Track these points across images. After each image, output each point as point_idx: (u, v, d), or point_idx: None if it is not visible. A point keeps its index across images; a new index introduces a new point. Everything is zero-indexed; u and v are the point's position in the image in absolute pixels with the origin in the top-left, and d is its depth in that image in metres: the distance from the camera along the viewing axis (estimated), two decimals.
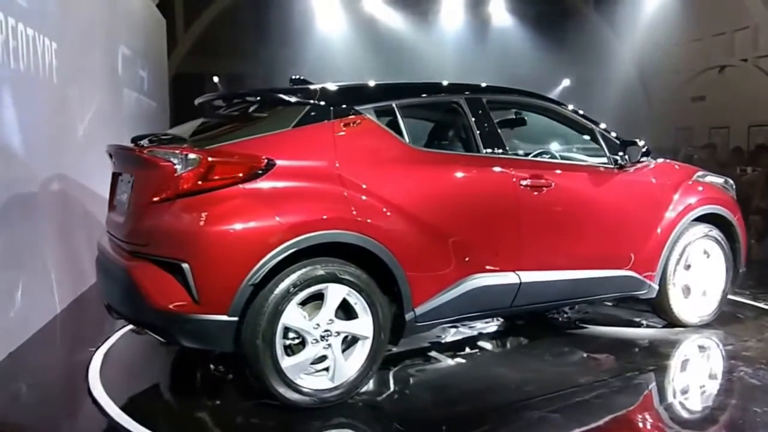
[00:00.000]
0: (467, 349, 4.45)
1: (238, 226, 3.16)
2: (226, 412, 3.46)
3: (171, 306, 3.15)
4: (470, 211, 3.81)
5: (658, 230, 4.55)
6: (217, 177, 3.19)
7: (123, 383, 3.97)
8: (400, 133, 3.72)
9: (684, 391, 3.80)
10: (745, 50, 14.46)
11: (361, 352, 3.45)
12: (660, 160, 4.87)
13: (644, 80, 17.04)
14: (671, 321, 4.80)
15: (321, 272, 3.30)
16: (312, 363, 3.36)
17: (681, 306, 4.74)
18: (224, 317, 3.14)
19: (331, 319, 3.35)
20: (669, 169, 4.84)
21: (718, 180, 5.13)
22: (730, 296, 5.17)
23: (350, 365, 3.42)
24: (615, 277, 4.41)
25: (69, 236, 5.71)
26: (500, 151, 3.99)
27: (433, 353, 4.33)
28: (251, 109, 3.75)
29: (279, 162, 3.29)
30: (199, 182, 3.18)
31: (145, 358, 4.42)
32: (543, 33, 16.00)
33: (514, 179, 3.95)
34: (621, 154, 4.43)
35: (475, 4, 16.73)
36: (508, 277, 3.92)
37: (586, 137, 4.56)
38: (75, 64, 6.03)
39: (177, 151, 3.26)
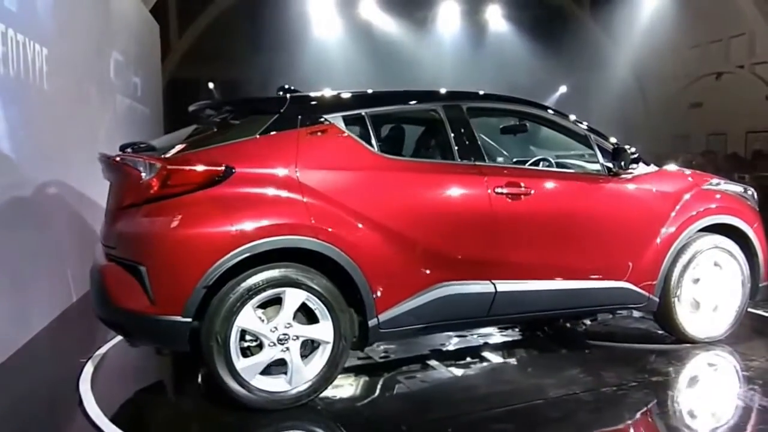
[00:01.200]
0: (468, 359, 4.36)
1: (193, 231, 3.29)
2: (218, 423, 3.42)
3: (131, 306, 3.32)
4: (438, 218, 3.76)
5: (658, 240, 4.31)
6: (176, 184, 3.32)
7: (114, 394, 3.90)
8: (369, 140, 3.73)
9: (657, 410, 3.61)
10: (742, 57, 14.48)
11: (321, 356, 3.49)
12: (665, 167, 4.68)
13: (642, 87, 17.06)
14: (678, 336, 4.50)
15: (278, 276, 3.36)
16: (272, 365, 3.43)
17: (688, 321, 4.45)
18: (178, 318, 3.25)
19: (288, 323, 3.40)
20: (673, 177, 4.61)
21: (735, 188, 4.80)
22: (755, 311, 4.83)
23: (310, 369, 3.46)
24: (607, 288, 4.21)
25: (57, 246, 5.59)
26: (476, 158, 3.93)
27: (432, 361, 4.25)
28: (231, 117, 3.84)
29: (239, 169, 3.39)
30: (160, 189, 3.32)
31: (137, 369, 4.38)
32: (540, 40, 16.00)
33: (488, 187, 3.86)
34: (615, 161, 4.25)
35: (472, 11, 16.72)
36: (482, 286, 3.83)
37: (581, 144, 4.43)
38: (66, 70, 5.94)
39: (141, 160, 3.42)
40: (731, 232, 4.54)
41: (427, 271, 3.70)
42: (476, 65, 15.99)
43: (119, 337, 4.65)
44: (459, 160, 3.89)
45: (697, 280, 4.46)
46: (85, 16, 6.87)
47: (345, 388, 3.85)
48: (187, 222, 3.29)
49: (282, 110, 3.63)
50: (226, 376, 3.31)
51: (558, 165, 4.58)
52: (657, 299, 4.35)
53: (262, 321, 3.37)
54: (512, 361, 4.37)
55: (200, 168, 3.35)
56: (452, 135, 3.94)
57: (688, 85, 15.92)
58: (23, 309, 4.71)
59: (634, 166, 4.25)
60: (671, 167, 4.79)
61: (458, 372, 4.11)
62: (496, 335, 4.85)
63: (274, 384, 3.41)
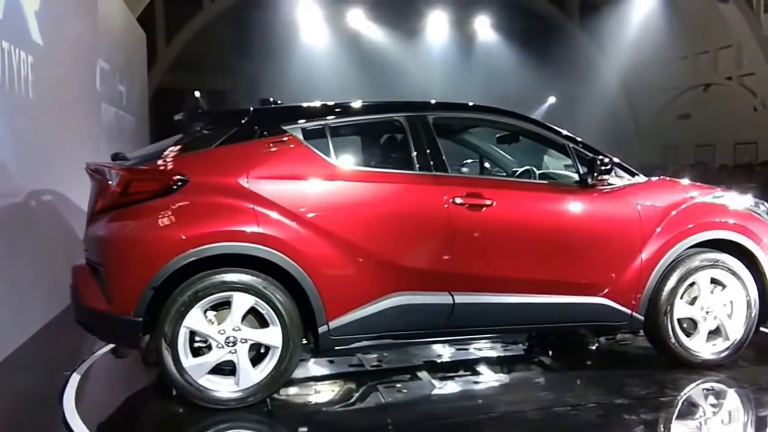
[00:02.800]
0: (460, 371, 4.29)
1: (144, 236, 3.53)
2: None
3: (93, 305, 3.60)
4: (393, 228, 3.79)
5: (641, 256, 4.07)
6: (135, 192, 3.58)
7: (98, 408, 3.85)
8: (327, 151, 3.81)
9: None
10: (730, 68, 14.57)
11: (270, 360, 3.60)
12: (657, 178, 4.49)
13: (630, 98, 17.14)
14: (671, 358, 4.21)
15: (225, 281, 3.52)
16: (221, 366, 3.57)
17: (682, 342, 4.17)
18: (130, 317, 3.47)
19: (237, 327, 3.53)
20: (664, 188, 4.36)
21: (743, 202, 4.46)
22: None
23: (259, 372, 3.58)
24: (582, 304, 4.02)
25: (38, 254, 5.45)
26: (437, 168, 3.90)
27: (422, 373, 4.24)
28: (205, 128, 4.00)
29: (193, 178, 3.59)
30: (121, 196, 3.59)
31: (122, 382, 4.35)
32: (529, 50, 16.04)
33: (447, 197, 3.82)
34: (588, 172, 4.10)
35: (461, 21, 16.72)
36: (440, 297, 3.79)
37: (562, 154, 4.30)
38: (52, 78, 5.83)
39: (109, 169, 3.70)
40: (735, 249, 4.25)
41: (381, 281, 3.72)
42: (465, 75, 15.98)
43: (104, 349, 4.74)
44: (418, 170, 3.90)
45: (693, 300, 4.20)
46: (72, 24, 6.76)
47: (321, 394, 3.96)
48: (141, 227, 3.55)
49: (243, 122, 3.83)
50: (174, 373, 3.50)
51: (544, 176, 4.47)
52: (642, 317, 4.11)
53: (212, 323, 3.53)
54: (502, 376, 4.25)
55: (156, 177, 3.60)
56: (413, 145, 3.95)
57: (677, 96, 16.00)
58: (7, 318, 4.57)
59: (605, 177, 4.04)
60: (667, 178, 4.59)
61: (440, 384, 4.06)
62: (497, 349, 4.73)
63: (222, 384, 3.56)
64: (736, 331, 4.24)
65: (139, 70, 11.26)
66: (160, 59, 16.27)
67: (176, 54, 16.73)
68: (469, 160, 5.18)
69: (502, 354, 4.67)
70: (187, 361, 3.50)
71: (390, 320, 3.74)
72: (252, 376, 3.56)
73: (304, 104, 4.13)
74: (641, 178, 4.27)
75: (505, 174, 4.80)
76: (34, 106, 5.36)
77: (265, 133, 3.78)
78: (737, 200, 4.44)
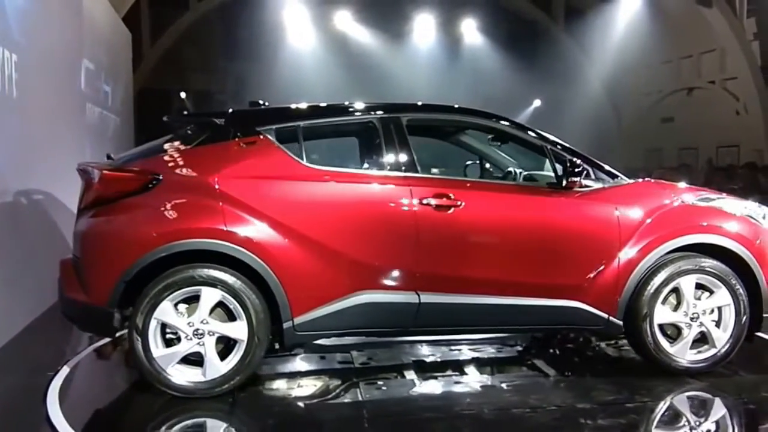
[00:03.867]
0: (448, 371, 4.31)
1: (119, 231, 3.74)
2: None
3: (73, 295, 3.82)
4: (360, 227, 3.86)
5: (619, 259, 4.01)
6: (113, 190, 3.79)
7: (83, 407, 3.85)
8: (299, 151, 3.93)
9: None
10: (713, 72, 14.72)
11: (236, 353, 3.74)
12: (641, 180, 4.47)
13: (615, 101, 17.27)
14: (654, 363, 4.13)
15: (193, 276, 3.68)
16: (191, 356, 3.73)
17: (663, 348, 4.08)
18: (105, 308, 3.68)
19: (204, 320, 3.69)
20: (645, 191, 4.29)
21: (737, 205, 4.31)
22: None
23: (225, 364, 3.72)
24: (554, 307, 3.98)
25: (21, 253, 5.40)
26: (407, 169, 3.96)
27: (409, 371, 4.28)
28: (190, 129, 4.16)
29: (166, 177, 3.78)
30: (102, 194, 3.81)
31: (106, 382, 4.36)
32: (514, 53, 16.12)
33: (414, 197, 3.87)
34: (562, 174, 4.08)
35: (447, 24, 16.78)
36: (406, 296, 3.85)
37: (540, 155, 4.28)
38: (36, 78, 5.79)
39: (91, 168, 3.91)
40: (725, 254, 4.13)
41: (347, 279, 3.81)
42: (452, 78, 16.04)
43: (88, 348, 4.77)
44: (388, 170, 3.97)
45: (677, 305, 4.11)
46: (56, 23, 6.72)
47: (303, 388, 4.05)
48: (115, 224, 3.76)
49: (219, 123, 4.00)
50: (143, 362, 3.67)
51: (529, 178, 4.49)
52: (619, 322, 4.05)
53: (183, 316, 3.69)
54: (484, 378, 4.23)
55: (131, 176, 3.80)
56: (385, 146, 4.02)
57: (661, 99, 16.14)
58: None
59: (576, 179, 4.00)
60: (652, 181, 4.54)
61: (421, 383, 4.10)
62: (490, 351, 4.72)
63: (190, 374, 3.71)
64: (723, 339, 4.12)
65: (125, 70, 11.19)
66: (145, 59, 16.17)
67: (162, 54, 16.64)
68: (469, 162, 5.18)
69: (494, 355, 4.66)
70: (157, 350, 3.67)
71: (355, 318, 3.83)
72: (218, 367, 3.70)
73: (280, 106, 4.26)
74: (623, 181, 4.21)
75: (501, 175, 4.79)
76: (18, 105, 5.32)
77: (239, 134, 3.93)
78: (730, 203, 4.29)
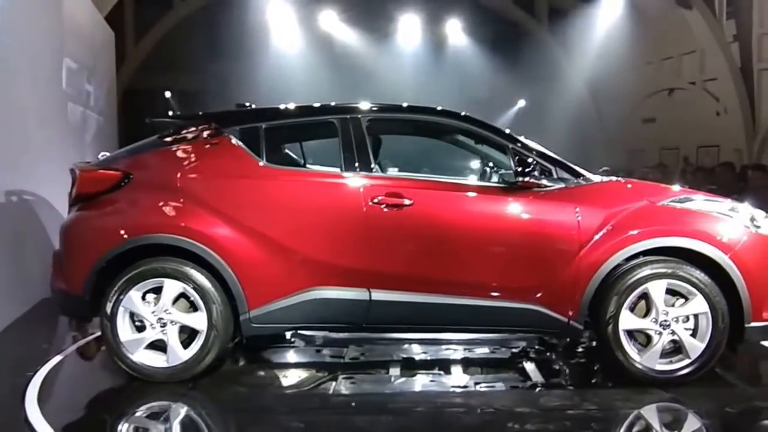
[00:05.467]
0: (435, 369, 4.34)
1: (92, 226, 4.12)
2: None
3: (58, 285, 4.19)
4: (313, 225, 4.00)
5: (579, 262, 3.90)
6: (90, 188, 4.14)
7: (63, 408, 3.86)
8: (258, 151, 4.11)
9: None
10: (693, 74, 14.87)
11: (197, 342, 3.97)
12: (610, 180, 4.37)
13: (597, 102, 17.37)
14: (622, 371, 3.97)
15: (156, 268, 3.96)
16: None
17: (629, 356, 3.91)
18: (80, 296, 4.02)
19: (167, 310, 3.96)
20: (611, 191, 4.18)
21: (715, 206, 4.09)
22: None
23: (186, 352, 3.96)
24: (510, 308, 3.95)
25: (2, 252, 5.38)
26: (362, 168, 4.04)
27: (395, 368, 4.34)
28: (170, 129, 4.40)
29: (136, 176, 4.09)
30: (81, 192, 4.17)
31: (87, 382, 4.38)
32: (498, 54, 16.19)
33: (365, 197, 3.96)
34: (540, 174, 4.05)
35: (432, 25, 16.81)
36: (357, 293, 3.95)
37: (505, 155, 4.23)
38: (16, 77, 5.76)
39: (75, 167, 4.25)
40: (703, 258, 3.94)
41: (301, 275, 3.96)
42: (437, 78, 16.06)
43: (70, 348, 4.83)
44: (343, 170, 4.08)
45: (647, 311, 3.92)
46: (36, 21, 6.68)
47: (280, 379, 4.26)
48: (89, 219, 4.14)
49: (190, 125, 4.27)
50: (111, 346, 3.99)
51: (505, 177, 4.42)
52: (580, 327, 3.98)
53: (149, 305, 3.98)
54: (463, 377, 4.23)
55: (105, 175, 4.13)
56: (342, 146, 4.12)
57: (642, 100, 16.27)
58: None
59: (525, 178, 3.94)
60: (622, 180, 4.45)
61: (399, 381, 4.14)
62: (485, 350, 4.71)
63: (154, 359, 3.98)
64: (697, 348, 3.90)
65: (108, 69, 11.14)
66: (129, 59, 16.09)
67: (146, 54, 16.56)
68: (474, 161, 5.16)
69: (486, 356, 4.67)
70: (124, 336, 3.97)
71: (309, 312, 3.98)
72: (179, 354, 3.96)
73: (248, 108, 4.47)
74: (590, 180, 4.12)
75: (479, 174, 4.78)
76: None
77: (205, 135, 4.17)
78: (708, 205, 4.10)
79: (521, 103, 17.03)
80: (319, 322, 4.08)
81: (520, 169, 3.96)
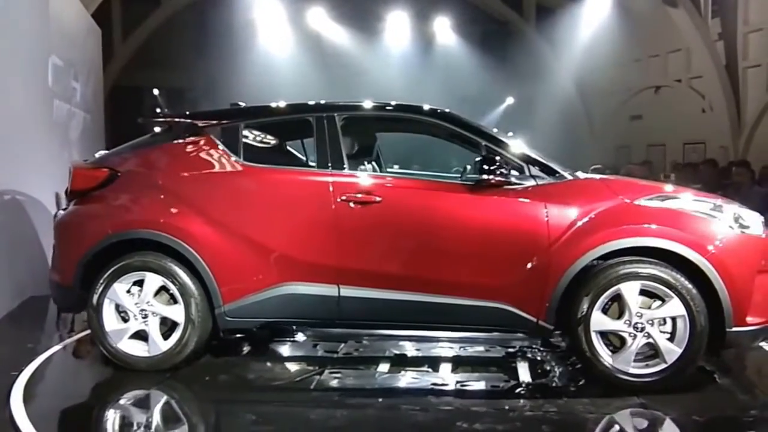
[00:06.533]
0: (424, 367, 4.34)
1: (79, 222, 4.29)
2: None
3: (53, 277, 4.38)
4: (284, 222, 4.05)
5: (548, 261, 3.80)
6: (82, 185, 4.32)
7: (49, 408, 3.83)
8: (236, 149, 4.20)
9: None
10: (679, 71, 14.98)
11: (176, 334, 4.09)
12: (584, 177, 4.19)
13: (585, 99, 17.48)
14: (595, 375, 3.85)
15: (137, 262, 4.10)
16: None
17: (600, 358, 3.78)
18: (70, 287, 4.20)
19: (148, 302, 4.10)
20: (583, 189, 4.00)
21: (696, 205, 3.90)
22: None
23: (165, 343, 4.10)
24: (477, 307, 3.88)
25: None
26: (334, 166, 4.08)
27: (384, 364, 4.35)
28: (162, 128, 4.56)
29: (123, 174, 4.24)
30: (74, 189, 4.36)
31: (73, 382, 4.39)
32: (487, 52, 16.25)
33: (334, 194, 3.99)
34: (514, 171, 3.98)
35: (421, 23, 16.84)
36: (327, 289, 3.99)
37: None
38: (1, 74, 5.72)
39: (70, 165, 4.43)
40: (680, 259, 3.77)
41: (273, 271, 4.03)
42: (426, 76, 16.08)
43: (56, 347, 4.81)
44: (316, 168, 4.14)
45: (620, 314, 3.77)
46: (22, 18, 6.64)
47: (272, 371, 4.35)
48: (78, 215, 4.32)
49: (176, 124, 4.37)
50: (98, 335, 4.15)
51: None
52: (550, 327, 3.87)
53: (133, 296, 4.11)
54: (445, 376, 4.18)
55: (94, 173, 4.30)
56: (317, 144, 4.17)
57: (629, 98, 16.38)
58: None
59: (487, 176, 3.86)
60: (597, 178, 4.27)
61: (383, 377, 4.17)
62: (478, 349, 4.66)
63: (136, 349, 4.12)
64: (674, 353, 3.73)
65: (95, 67, 11.08)
66: (116, 56, 16.02)
67: (133, 51, 16.49)
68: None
69: (480, 355, 4.63)
70: (109, 326, 4.12)
71: (281, 307, 4.05)
72: (159, 345, 4.10)
73: (229, 107, 4.53)
74: (564, 178, 3.99)
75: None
76: None
77: (188, 134, 4.27)
78: (689, 203, 3.93)
79: (509, 100, 17.08)
80: (291, 317, 4.15)
81: (485, 166, 3.89)
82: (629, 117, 16.46)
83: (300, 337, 4.91)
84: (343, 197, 3.98)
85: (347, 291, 3.98)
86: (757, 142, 13.05)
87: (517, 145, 4.14)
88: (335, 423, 3.48)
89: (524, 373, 4.23)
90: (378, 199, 3.97)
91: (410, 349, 4.71)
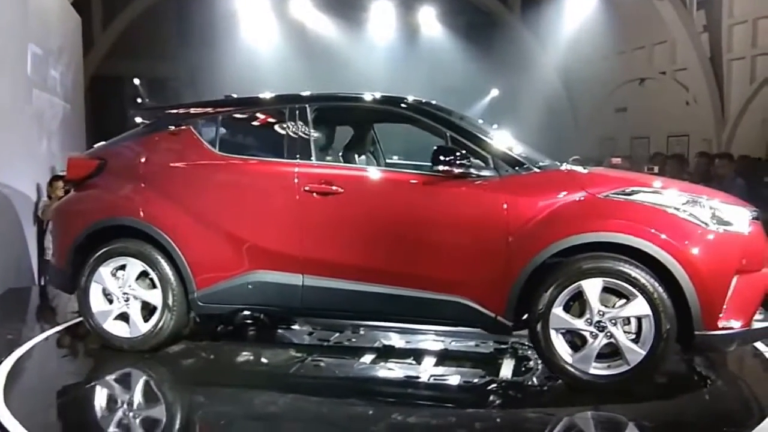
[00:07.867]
0: (409, 360, 4.31)
1: (72, 209, 4.63)
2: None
3: (50, 259, 4.83)
4: (253, 212, 4.16)
5: (506, 256, 3.69)
6: (74, 174, 4.66)
7: (30, 399, 3.82)
8: (213, 140, 4.34)
9: None
10: (664, 63, 15.02)
11: (154, 317, 4.29)
12: (553, 170, 3.98)
13: (570, 91, 17.51)
14: (555, 372, 3.73)
15: (120, 248, 4.32)
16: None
17: (560, 356, 3.64)
18: (63, 269, 4.49)
19: (130, 285, 4.31)
20: (545, 181, 3.85)
21: (667, 200, 3.65)
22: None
23: (145, 325, 4.30)
24: (437, 300, 3.82)
25: None
26: (302, 156, 4.14)
27: (370, 355, 4.38)
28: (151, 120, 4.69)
29: (110, 163, 4.49)
30: (71, 178, 4.74)
31: (55, 372, 4.38)
32: (472, 43, 16.22)
33: (299, 184, 4.05)
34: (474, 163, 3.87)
35: (406, 13, 16.76)
36: (292, 278, 4.07)
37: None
38: None
39: (68, 156, 4.75)
40: (650, 258, 3.54)
41: (243, 258, 4.14)
42: (409, 66, 16.03)
43: (38, 337, 4.85)
44: (285, 158, 4.19)
45: (581, 312, 3.61)
46: (0, 4, 6.49)
47: (262, 356, 4.45)
48: (71, 202, 4.69)
49: (162, 115, 4.58)
50: (85, 315, 4.40)
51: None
52: (509, 323, 3.75)
53: (117, 281, 4.34)
54: (431, 370, 4.13)
55: (86, 163, 4.60)
56: (288, 135, 4.25)
57: (614, 90, 16.42)
58: None
59: (442, 167, 3.77)
60: (567, 169, 4.02)
61: (362, 367, 4.19)
62: (469, 344, 4.62)
63: (120, 329, 4.34)
64: (637, 354, 3.53)
65: (75, 55, 10.88)
66: (97, 45, 15.74)
67: (114, 40, 16.20)
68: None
69: (469, 350, 4.56)
70: (96, 307, 4.35)
71: (250, 294, 4.16)
72: (139, 327, 4.30)
73: (210, 100, 4.65)
74: (529, 170, 3.85)
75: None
76: None
77: (170, 125, 4.44)
78: (659, 197, 3.68)
79: (494, 92, 17.06)
80: (259, 304, 4.25)
81: (441, 157, 3.79)
82: (614, 109, 16.50)
83: (302, 325, 5.03)
84: (307, 188, 4.04)
85: (310, 281, 4.04)
86: (740, 135, 13.13)
87: (483, 136, 4.01)
88: (274, 409, 3.54)
89: (506, 370, 4.12)
90: (340, 189, 3.99)
91: (400, 342, 4.71)
